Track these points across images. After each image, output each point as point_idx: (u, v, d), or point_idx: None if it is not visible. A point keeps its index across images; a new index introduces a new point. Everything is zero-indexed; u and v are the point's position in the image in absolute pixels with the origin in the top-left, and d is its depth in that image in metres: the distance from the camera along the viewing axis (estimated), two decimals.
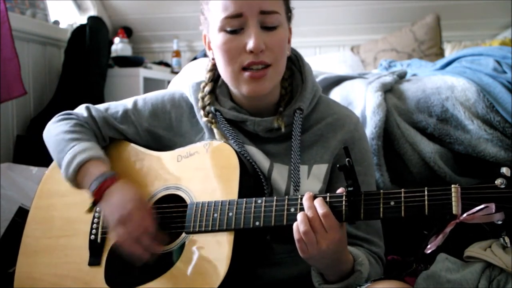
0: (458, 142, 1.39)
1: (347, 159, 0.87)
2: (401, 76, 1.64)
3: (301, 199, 0.93)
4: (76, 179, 1.07)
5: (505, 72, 1.44)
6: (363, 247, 1.07)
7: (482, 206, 0.81)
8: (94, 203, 1.05)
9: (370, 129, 1.42)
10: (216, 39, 1.03)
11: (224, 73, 1.07)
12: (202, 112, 1.12)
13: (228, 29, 1.01)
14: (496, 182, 0.82)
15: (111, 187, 1.03)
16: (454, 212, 0.83)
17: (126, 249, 0.99)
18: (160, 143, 1.17)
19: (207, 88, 1.13)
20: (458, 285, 1.03)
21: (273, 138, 1.10)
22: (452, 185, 0.85)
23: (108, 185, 1.02)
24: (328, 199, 0.91)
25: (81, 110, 1.20)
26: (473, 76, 1.44)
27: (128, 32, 3.56)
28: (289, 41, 1.10)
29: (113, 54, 3.21)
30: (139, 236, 0.98)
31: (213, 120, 1.11)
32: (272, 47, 1.01)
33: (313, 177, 1.08)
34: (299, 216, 0.90)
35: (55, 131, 1.14)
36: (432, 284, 1.05)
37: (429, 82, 1.49)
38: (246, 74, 1.02)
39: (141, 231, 0.98)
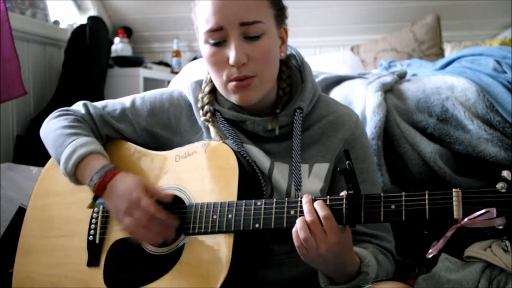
0: (458, 142, 1.39)
1: (347, 162, 0.87)
2: (401, 76, 1.64)
3: (301, 201, 0.93)
4: (75, 174, 1.05)
5: (505, 72, 1.44)
6: (372, 243, 1.06)
7: (483, 210, 0.80)
8: (95, 198, 1.04)
9: (370, 129, 1.42)
10: (203, 50, 1.04)
11: (215, 83, 1.07)
12: (200, 112, 1.12)
13: (211, 41, 1.01)
14: (497, 186, 0.81)
15: (112, 180, 1.01)
16: (455, 216, 0.83)
17: (138, 237, 0.98)
18: (158, 142, 1.17)
19: (207, 88, 1.13)
20: (458, 285, 1.03)
21: (273, 138, 1.10)
22: (453, 189, 0.84)
23: (109, 179, 1.01)
24: (328, 202, 0.91)
25: (78, 107, 1.19)
26: (473, 76, 1.44)
27: (128, 32, 3.55)
28: (284, 42, 1.09)
29: (113, 54, 3.21)
30: (147, 223, 0.96)
31: (211, 119, 1.11)
32: (255, 59, 1.00)
33: (314, 176, 1.08)
34: (298, 222, 0.89)
35: (53, 127, 1.13)
36: (432, 284, 1.05)
37: (429, 82, 1.48)
38: (232, 84, 1.01)
39: (148, 217, 0.96)
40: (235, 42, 0.98)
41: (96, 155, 1.06)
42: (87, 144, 1.06)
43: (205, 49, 1.03)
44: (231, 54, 0.98)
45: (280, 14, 1.06)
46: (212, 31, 1.00)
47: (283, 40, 1.09)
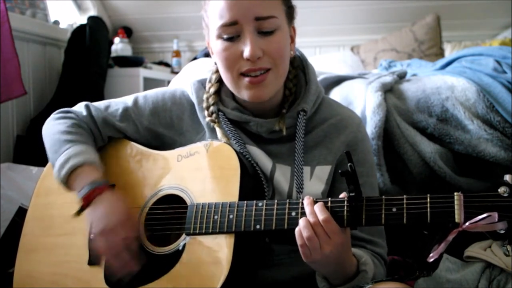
0: (458, 142, 1.39)
1: (349, 164, 0.87)
2: (401, 76, 1.64)
3: (303, 203, 0.93)
4: (67, 182, 1.06)
5: (505, 72, 1.45)
6: (366, 248, 1.06)
7: (485, 215, 0.80)
8: (82, 209, 1.04)
9: (370, 129, 1.42)
10: (215, 46, 1.04)
11: (225, 79, 1.07)
12: (206, 112, 1.12)
13: (225, 36, 1.01)
14: (499, 190, 0.81)
15: (100, 195, 1.02)
16: (456, 220, 0.83)
17: (106, 260, 0.99)
18: (160, 141, 1.17)
19: (212, 89, 1.13)
20: (458, 285, 1.03)
21: (276, 139, 1.10)
22: (455, 193, 0.84)
23: (97, 194, 1.02)
24: (329, 204, 0.91)
25: (80, 108, 1.19)
26: (473, 76, 1.45)
27: (128, 32, 3.55)
28: (292, 40, 1.09)
29: (113, 54, 3.21)
30: (119, 251, 0.98)
31: (217, 120, 1.11)
32: (270, 53, 1.00)
33: (316, 179, 1.08)
34: (302, 222, 0.89)
35: (52, 130, 1.14)
36: (432, 284, 1.05)
37: (429, 82, 1.49)
38: (246, 80, 1.01)
39: (121, 246, 0.98)
40: (250, 36, 0.98)
41: (88, 166, 1.06)
42: (81, 154, 1.07)
43: (218, 45, 1.02)
44: (246, 48, 0.98)
45: (290, 11, 1.07)
46: (226, 26, 0.99)
47: (292, 39, 1.10)
